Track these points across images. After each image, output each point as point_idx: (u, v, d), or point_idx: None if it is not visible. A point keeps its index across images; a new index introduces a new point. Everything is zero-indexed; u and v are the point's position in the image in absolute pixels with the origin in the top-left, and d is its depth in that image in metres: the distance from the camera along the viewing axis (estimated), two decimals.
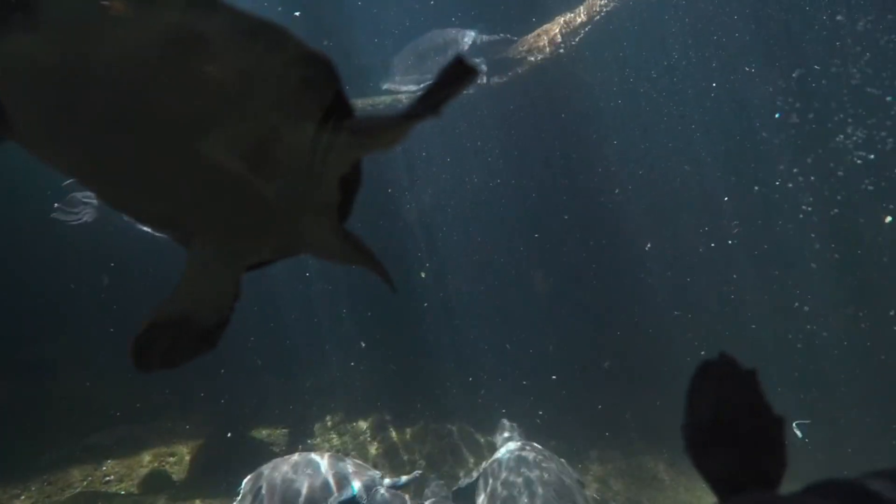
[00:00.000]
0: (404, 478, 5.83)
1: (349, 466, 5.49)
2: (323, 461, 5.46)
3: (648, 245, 8.51)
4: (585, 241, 8.43)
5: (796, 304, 8.32)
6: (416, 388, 7.87)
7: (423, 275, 8.10)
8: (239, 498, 5.34)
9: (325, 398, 7.74)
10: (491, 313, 8.46)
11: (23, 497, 5.75)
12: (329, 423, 7.54)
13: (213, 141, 1.16)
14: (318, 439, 7.34)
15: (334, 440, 7.36)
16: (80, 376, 6.70)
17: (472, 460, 7.28)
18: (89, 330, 6.55)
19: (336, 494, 5.23)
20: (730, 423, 0.99)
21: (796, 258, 8.33)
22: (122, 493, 5.99)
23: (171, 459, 6.57)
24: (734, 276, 8.53)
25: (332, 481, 5.29)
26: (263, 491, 5.24)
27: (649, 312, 8.38)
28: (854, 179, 8.08)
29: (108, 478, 6.17)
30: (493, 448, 6.80)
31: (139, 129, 1.13)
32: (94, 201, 5.94)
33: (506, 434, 6.73)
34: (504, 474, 5.93)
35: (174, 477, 6.40)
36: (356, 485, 5.33)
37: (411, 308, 8.13)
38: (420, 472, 6.09)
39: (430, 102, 1.10)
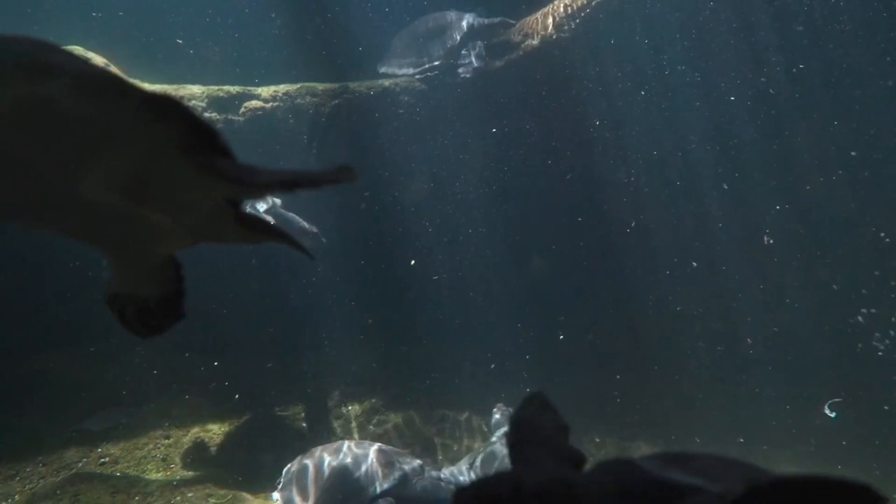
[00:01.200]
0: (447, 471, 5.86)
1: (391, 455, 5.53)
2: (364, 450, 5.53)
3: (647, 231, 8.49)
4: (584, 226, 8.41)
5: (796, 297, 8.30)
6: (414, 373, 7.89)
7: (412, 262, 8.08)
8: (280, 486, 5.41)
9: (324, 381, 7.75)
10: (489, 298, 8.46)
11: (17, 478, 5.76)
12: (328, 406, 7.56)
13: (86, 185, 1.24)
14: (318, 422, 7.36)
15: (333, 423, 7.38)
16: (78, 359, 6.69)
17: (474, 444, 7.31)
18: (88, 313, 6.52)
19: (378, 483, 5.28)
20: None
21: (796, 252, 8.29)
22: (118, 475, 6.00)
23: (167, 442, 6.58)
24: (734, 266, 8.51)
25: (375, 470, 5.34)
26: (307, 479, 5.31)
27: (648, 299, 8.37)
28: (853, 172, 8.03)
29: (103, 459, 6.18)
30: (489, 432, 6.83)
31: (14, 178, 1.21)
32: None
33: (500, 417, 6.75)
34: (497, 458, 5.95)
35: (171, 459, 6.41)
36: (397, 474, 5.37)
37: (410, 292, 8.12)
38: (468, 475, 5.99)
39: (289, 183, 1.19)
